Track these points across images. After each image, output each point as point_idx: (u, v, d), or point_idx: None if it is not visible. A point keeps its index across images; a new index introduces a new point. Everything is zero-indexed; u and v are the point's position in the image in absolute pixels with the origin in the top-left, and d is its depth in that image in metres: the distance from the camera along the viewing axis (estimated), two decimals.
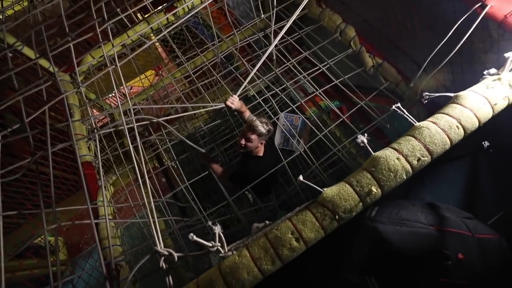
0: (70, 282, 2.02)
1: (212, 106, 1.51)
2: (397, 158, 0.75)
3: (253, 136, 1.67)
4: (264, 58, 1.47)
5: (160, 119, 1.39)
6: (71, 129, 1.07)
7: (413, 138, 0.77)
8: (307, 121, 2.16)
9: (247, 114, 1.82)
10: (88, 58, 2.02)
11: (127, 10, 2.02)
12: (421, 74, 1.46)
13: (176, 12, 2.12)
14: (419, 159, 0.75)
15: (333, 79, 1.94)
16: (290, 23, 1.40)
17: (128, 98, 1.39)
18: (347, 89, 1.89)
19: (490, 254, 0.74)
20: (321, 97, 1.96)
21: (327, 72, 1.96)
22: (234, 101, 1.58)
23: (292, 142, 2.23)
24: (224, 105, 1.54)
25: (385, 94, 1.82)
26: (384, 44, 1.85)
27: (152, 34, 2.57)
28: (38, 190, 1.10)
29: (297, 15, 2.23)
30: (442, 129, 0.76)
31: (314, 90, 2.00)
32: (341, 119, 1.75)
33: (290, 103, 2.05)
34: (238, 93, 1.50)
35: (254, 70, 1.34)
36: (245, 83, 1.44)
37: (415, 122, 0.81)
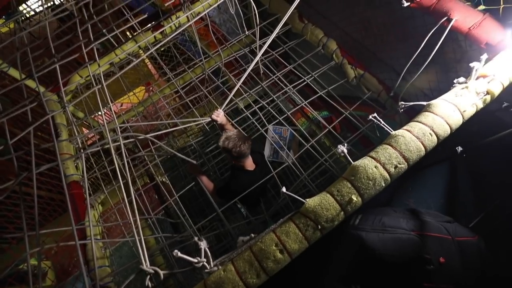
0: None
1: (199, 120, 1.53)
2: (375, 167, 0.77)
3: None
4: (248, 71, 1.51)
5: (148, 135, 1.40)
6: (57, 150, 1.07)
7: (389, 147, 0.80)
8: (294, 133, 2.19)
9: (228, 125, 1.83)
10: (76, 77, 2.03)
11: (113, 30, 2.05)
12: (400, 83, 1.52)
13: (163, 30, 2.17)
14: (396, 166, 0.77)
15: (318, 90, 2.00)
16: (272, 37, 1.45)
17: (115, 117, 1.40)
18: (333, 100, 1.94)
19: (470, 256, 0.75)
20: (308, 108, 2.01)
21: (311, 84, 2.02)
22: (219, 115, 1.63)
23: (282, 154, 2.25)
24: (210, 119, 1.58)
25: (369, 103, 1.88)
26: (365, 56, 1.93)
27: (141, 51, 2.61)
28: (21, 212, 1.08)
29: (280, 31, 2.32)
30: (416, 136, 0.79)
31: (298, 101, 2.05)
32: (327, 129, 1.79)
33: (278, 116, 2.09)
34: (223, 107, 1.53)
35: (239, 84, 1.38)
36: (230, 96, 1.47)
37: (391, 131, 0.84)
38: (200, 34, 2.92)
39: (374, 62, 1.90)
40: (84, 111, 2.76)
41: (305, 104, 2.00)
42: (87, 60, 1.42)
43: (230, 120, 1.79)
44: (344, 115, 1.80)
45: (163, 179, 3.34)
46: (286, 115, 2.19)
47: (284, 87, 2.01)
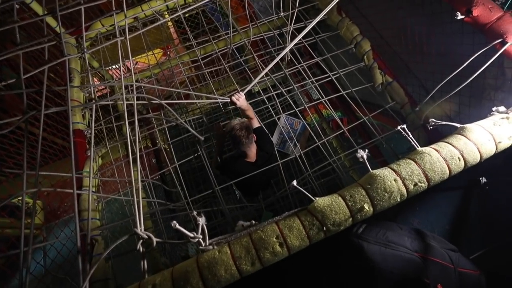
0: (42, 249, 1.98)
1: (216, 98, 1.46)
2: (394, 180, 0.74)
3: None
4: (277, 59, 1.44)
5: (162, 101, 1.35)
6: (68, 94, 1.03)
7: (413, 162, 0.76)
8: (307, 127, 2.15)
9: (251, 114, 1.74)
10: (98, 25, 1.97)
11: None
12: (428, 101, 1.46)
13: None
14: (416, 184, 0.74)
15: (341, 90, 1.93)
16: (309, 28, 1.37)
17: (132, 73, 1.36)
18: (353, 102, 1.88)
19: None
20: (325, 105, 1.95)
21: (335, 82, 1.95)
22: (240, 98, 1.52)
23: (289, 145, 2.22)
24: (228, 100, 1.49)
25: (388, 113, 1.82)
26: (396, 64, 1.84)
27: (166, 12, 2.52)
28: (23, 149, 1.06)
29: (315, 21, 2.21)
30: (443, 158, 0.75)
31: (320, 97, 1.99)
32: (342, 130, 1.74)
33: (294, 106, 2.04)
34: (246, 91, 1.47)
35: (266, 70, 1.32)
36: (255, 81, 1.41)
37: (418, 146, 0.80)
38: (231, 6, 2.81)
39: (403, 72, 1.82)
40: (100, 62, 2.70)
41: (324, 101, 1.94)
42: (114, 8, 1.36)
43: (251, 108, 1.68)
44: (362, 120, 1.74)
45: (165, 146, 3.33)
46: (300, 107, 2.14)
47: (307, 79, 1.94)
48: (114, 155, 2.43)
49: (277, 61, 2.45)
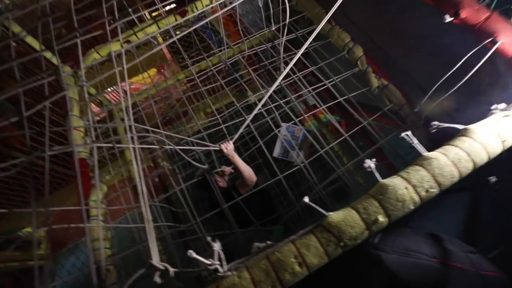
0: (50, 277, 1.95)
1: (208, 145, 1.54)
2: (406, 188, 0.74)
3: None
4: (275, 85, 1.45)
5: (163, 131, 1.35)
6: (72, 139, 1.03)
7: (422, 168, 0.76)
8: (308, 135, 2.16)
9: (236, 160, 1.75)
10: (94, 54, 1.99)
11: (138, 10, 2.00)
12: (426, 100, 1.48)
13: (186, 14, 2.12)
14: (427, 190, 0.74)
15: (338, 96, 1.95)
16: (305, 47, 1.40)
17: (128, 97, 1.36)
18: (350, 106, 1.90)
19: None
20: (323, 111, 1.97)
21: (331, 89, 1.97)
22: (228, 147, 1.61)
23: (292, 154, 2.22)
24: (217, 147, 1.60)
25: (386, 114, 1.84)
26: (390, 66, 1.87)
27: (159, 34, 2.56)
28: (27, 182, 1.06)
29: (305, 31, 2.26)
30: (451, 161, 0.76)
31: (316, 103, 2.01)
32: (344, 137, 1.75)
33: (293, 116, 2.05)
34: (236, 137, 1.58)
35: (270, 92, 1.34)
36: (259, 106, 1.43)
37: (424, 152, 0.81)
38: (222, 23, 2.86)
39: (398, 74, 1.85)
40: (96, 87, 2.73)
41: (323, 109, 1.96)
42: (109, 38, 1.38)
43: (237, 156, 1.73)
44: (363, 124, 1.76)
45: (168, 165, 3.32)
46: (297, 114, 2.16)
47: (304, 88, 1.97)
48: (118, 179, 2.42)
49: (272, 72, 2.49)
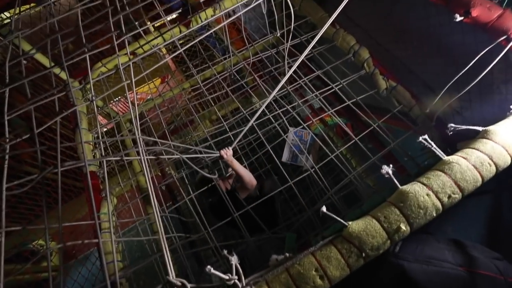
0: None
1: (207, 153, 1.62)
2: (427, 194, 0.72)
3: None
4: (278, 88, 1.45)
5: (171, 143, 1.35)
6: (84, 154, 1.04)
7: (443, 174, 0.74)
8: (316, 138, 2.14)
9: (235, 165, 1.82)
10: (101, 68, 2.02)
11: (144, 23, 2.02)
12: (437, 101, 1.45)
13: (190, 25, 2.14)
14: (449, 196, 0.71)
15: (345, 98, 1.93)
16: (304, 56, 1.39)
17: (136, 107, 1.37)
18: (358, 108, 1.88)
19: None
20: (331, 114, 1.96)
21: (339, 92, 1.95)
22: (228, 153, 1.71)
23: (301, 158, 2.20)
24: (218, 154, 1.67)
25: (398, 116, 1.81)
26: (398, 68, 1.85)
27: (163, 46, 2.59)
28: (38, 196, 1.06)
29: (309, 35, 2.26)
30: (473, 165, 0.73)
31: (322, 106, 2.00)
32: (353, 141, 1.73)
33: (300, 120, 2.04)
34: (236, 141, 1.62)
35: (273, 94, 1.33)
36: (262, 107, 1.42)
37: (444, 156, 0.78)
38: (225, 31, 2.88)
39: (406, 75, 1.83)
40: (104, 99, 2.76)
41: (331, 113, 1.94)
42: (117, 52, 1.39)
43: (236, 161, 1.80)
44: (372, 127, 1.73)
45: (176, 174, 3.32)
46: (303, 118, 2.15)
47: (310, 93, 1.96)
48: (127, 189, 2.43)
49: (278, 77, 2.49)
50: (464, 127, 0.87)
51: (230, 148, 1.72)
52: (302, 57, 1.33)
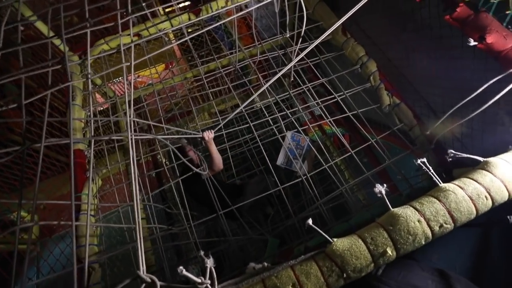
0: (35, 263, 1.91)
1: (191, 134, 1.70)
2: (418, 221, 0.69)
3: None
4: (279, 75, 1.41)
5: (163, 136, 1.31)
6: (70, 129, 0.99)
7: (437, 201, 0.71)
8: (312, 147, 2.11)
9: (212, 147, 1.95)
10: (103, 45, 1.96)
11: (152, 5, 1.97)
12: (438, 124, 1.43)
13: (199, 13, 2.09)
14: (441, 226, 0.69)
15: (346, 110, 1.90)
16: (312, 47, 1.36)
17: (132, 90, 1.32)
18: (358, 121, 1.85)
19: None
20: (329, 123, 1.93)
21: (341, 102, 1.92)
22: (210, 135, 1.83)
23: (295, 164, 2.17)
24: (201, 135, 1.78)
25: (395, 133, 1.78)
26: (403, 85, 1.83)
27: (171, 32, 2.53)
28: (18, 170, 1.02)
29: (319, 40, 2.22)
30: (469, 196, 0.71)
31: (322, 114, 1.97)
32: (349, 153, 1.70)
33: (297, 124, 2.01)
34: (232, 116, 1.67)
35: (266, 86, 1.29)
36: (252, 97, 1.38)
37: (440, 183, 0.75)
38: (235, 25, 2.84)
39: (411, 94, 1.80)
40: (102, 78, 2.69)
41: (329, 121, 1.91)
42: (120, 31, 1.34)
43: (213, 144, 1.94)
44: (370, 142, 1.71)
45: (166, 161, 3.28)
46: (301, 123, 2.12)
47: (312, 100, 1.92)
48: (114, 171, 2.37)
49: (280, 78, 2.45)
50: (465, 155, 0.85)
51: (212, 131, 1.85)
52: (303, 54, 1.29)
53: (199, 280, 0.68)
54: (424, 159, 0.80)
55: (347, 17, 1.24)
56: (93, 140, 1.26)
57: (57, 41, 2.19)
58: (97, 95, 3.32)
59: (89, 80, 1.36)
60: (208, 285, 0.69)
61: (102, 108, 3.51)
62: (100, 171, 1.94)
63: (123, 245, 1.65)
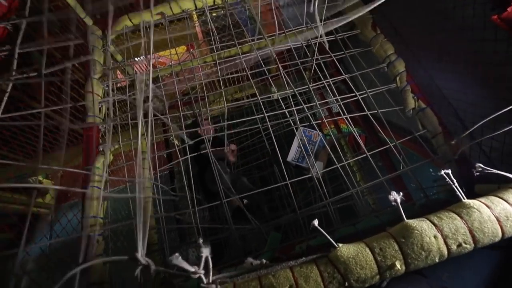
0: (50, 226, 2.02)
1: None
2: (435, 236, 0.63)
3: None
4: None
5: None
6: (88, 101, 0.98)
7: (458, 218, 0.65)
8: (326, 144, 2.04)
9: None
10: (126, 21, 1.94)
11: None
12: (465, 134, 1.32)
13: None
14: (459, 245, 0.63)
15: (366, 109, 1.81)
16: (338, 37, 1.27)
17: (150, 69, 1.31)
18: (377, 122, 1.76)
19: None
20: (345, 120, 1.85)
21: (361, 102, 1.83)
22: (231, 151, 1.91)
23: (308, 161, 2.11)
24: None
25: (418, 141, 1.69)
26: (432, 89, 1.71)
27: (194, 12, 2.48)
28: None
29: (346, 34, 2.11)
30: (496, 217, 0.64)
31: (340, 111, 1.89)
32: (365, 155, 1.62)
33: (312, 119, 1.94)
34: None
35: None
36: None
37: (464, 198, 0.69)
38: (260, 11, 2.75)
39: (439, 100, 1.69)
40: (123, 54, 2.70)
41: (346, 119, 1.83)
42: (141, 7, 1.32)
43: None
44: (389, 146, 1.62)
45: (178, 143, 3.30)
46: (317, 118, 2.04)
47: (332, 96, 1.84)
48: (126, 148, 2.41)
49: (301, 70, 2.36)
50: (494, 171, 0.77)
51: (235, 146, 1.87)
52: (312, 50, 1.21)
53: (192, 270, 0.66)
54: (449, 171, 0.73)
55: (374, 6, 1.16)
56: (110, 115, 1.26)
57: (83, 14, 2.20)
58: (118, 72, 3.36)
59: (109, 54, 1.35)
60: (202, 275, 0.67)
61: (120, 85, 3.55)
62: (112, 146, 1.96)
63: (128, 220, 1.69)
